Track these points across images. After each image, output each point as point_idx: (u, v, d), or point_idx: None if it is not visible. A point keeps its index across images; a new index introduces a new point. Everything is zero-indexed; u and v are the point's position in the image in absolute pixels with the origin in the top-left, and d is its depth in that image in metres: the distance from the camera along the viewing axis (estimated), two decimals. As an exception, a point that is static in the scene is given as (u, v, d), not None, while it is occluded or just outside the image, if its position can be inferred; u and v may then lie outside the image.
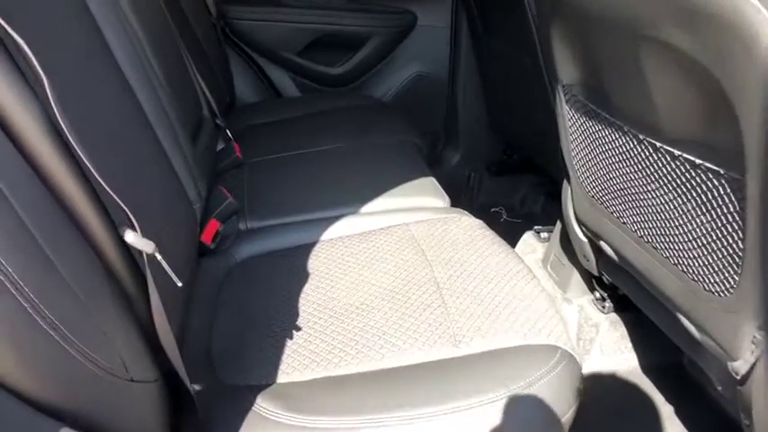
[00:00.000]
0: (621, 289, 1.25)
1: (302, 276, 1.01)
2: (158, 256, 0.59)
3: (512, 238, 1.83)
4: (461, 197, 2.17)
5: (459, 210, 1.20)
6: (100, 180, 0.53)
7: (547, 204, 2.00)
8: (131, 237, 0.57)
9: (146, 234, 0.60)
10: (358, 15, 1.97)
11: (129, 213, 0.57)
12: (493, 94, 1.96)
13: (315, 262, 1.04)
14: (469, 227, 1.12)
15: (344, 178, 1.31)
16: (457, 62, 2.04)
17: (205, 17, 1.77)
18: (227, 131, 1.47)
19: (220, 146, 1.48)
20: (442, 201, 1.23)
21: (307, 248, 1.09)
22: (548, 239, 1.68)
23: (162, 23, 1.26)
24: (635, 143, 0.92)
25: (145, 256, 0.59)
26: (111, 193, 0.54)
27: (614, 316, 1.38)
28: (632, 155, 0.94)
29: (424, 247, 1.04)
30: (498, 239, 1.09)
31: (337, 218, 1.16)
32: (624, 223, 1.03)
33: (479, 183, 2.16)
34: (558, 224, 1.62)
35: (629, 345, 1.35)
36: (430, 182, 1.29)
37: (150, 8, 1.17)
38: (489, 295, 0.90)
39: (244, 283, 1.01)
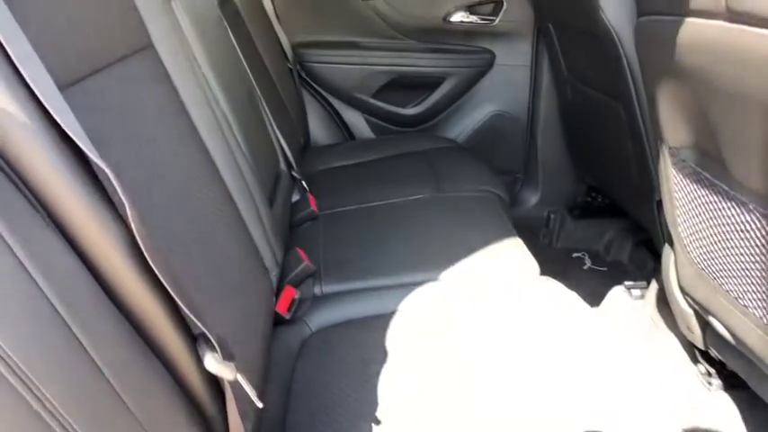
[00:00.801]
0: (733, 368, 1.11)
1: (380, 353, 0.95)
2: (240, 378, 0.55)
3: (597, 289, 1.71)
4: (540, 239, 2.06)
5: (548, 279, 1.11)
6: (181, 305, 0.50)
7: (636, 253, 1.85)
8: (213, 364, 0.53)
9: (224, 342, 0.56)
10: (435, 56, 1.92)
11: (210, 337, 0.53)
12: (577, 137, 1.85)
13: (394, 335, 0.98)
14: (561, 300, 1.03)
15: (424, 237, 1.25)
16: (537, 101, 1.95)
17: (282, 62, 1.78)
18: (303, 182, 1.45)
19: (295, 197, 1.46)
20: (530, 268, 1.14)
21: (385, 319, 1.03)
22: (640, 297, 1.55)
23: (239, 77, 1.25)
24: (762, 223, 0.80)
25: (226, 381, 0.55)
26: (192, 315, 0.51)
27: (722, 394, 1.23)
28: (758, 235, 0.82)
29: (510, 322, 0.96)
30: (592, 316, 0.99)
31: (417, 284, 1.09)
32: (745, 306, 0.91)
33: (560, 225, 2.04)
34: (654, 284, 1.48)
35: (742, 429, 1.19)
36: (517, 244, 1.20)
37: (226, 62, 1.16)
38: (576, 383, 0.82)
39: (319, 360, 0.97)
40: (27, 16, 0.53)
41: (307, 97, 1.99)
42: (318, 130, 2.02)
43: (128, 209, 0.46)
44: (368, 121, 2.03)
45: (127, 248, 0.48)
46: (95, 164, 0.46)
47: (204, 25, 1.08)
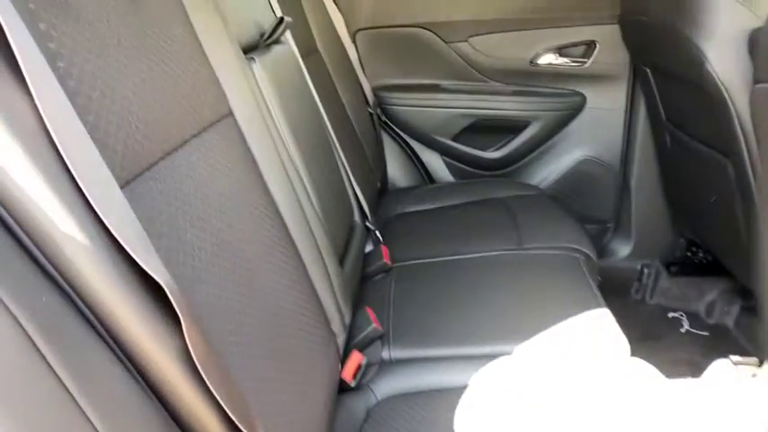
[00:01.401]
0: None
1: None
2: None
3: (696, 357, 1.54)
4: (631, 295, 1.90)
5: (640, 361, 0.99)
6: (236, 420, 0.47)
7: (742, 318, 1.66)
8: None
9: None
10: (520, 99, 1.85)
11: None
12: (677, 188, 1.70)
13: (462, 413, 0.91)
14: (656, 391, 0.91)
15: (501, 303, 1.17)
16: (632, 147, 1.81)
17: (362, 106, 1.78)
18: (377, 233, 1.42)
19: (369, 247, 1.43)
20: (619, 346, 1.03)
21: (455, 394, 0.96)
22: (752, 376, 1.36)
23: (317, 130, 1.25)
24: None
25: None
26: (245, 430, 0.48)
27: None
28: None
29: (592, 413, 0.86)
30: (692, 416, 0.87)
31: (491, 357, 1.02)
32: None
33: (654, 281, 1.87)
34: (768, 365, 1.30)
35: None
36: (605, 317, 1.09)
37: (304, 115, 1.16)
38: None
39: (384, 435, 0.92)
40: (90, 104, 0.53)
41: (386, 139, 1.98)
42: (397, 172, 1.99)
43: (185, 327, 0.44)
44: (447, 164, 1.98)
45: (182, 362, 0.46)
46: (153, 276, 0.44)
47: (283, 80, 1.09)
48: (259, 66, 0.97)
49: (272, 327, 0.75)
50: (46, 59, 0.49)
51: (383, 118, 1.92)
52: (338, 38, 1.73)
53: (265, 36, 1.05)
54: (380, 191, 1.84)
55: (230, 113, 0.85)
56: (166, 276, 0.49)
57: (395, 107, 1.91)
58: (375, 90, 1.91)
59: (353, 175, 1.41)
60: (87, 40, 0.55)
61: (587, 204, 1.89)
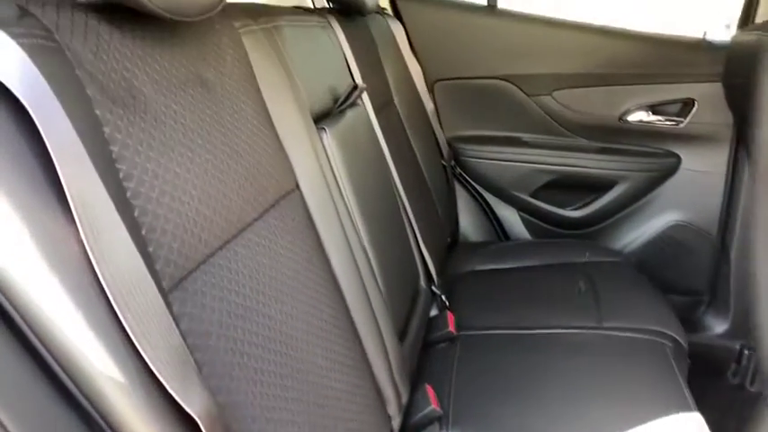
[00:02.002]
0: None
1: None
2: None
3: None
4: (728, 378, 1.70)
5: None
6: None
7: None
8: None
9: None
10: (606, 157, 1.74)
11: None
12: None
13: None
14: None
15: (575, 392, 1.07)
16: (732, 213, 1.64)
17: (436, 159, 1.74)
18: (443, 298, 1.36)
19: (434, 311, 1.37)
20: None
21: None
22: None
23: (385, 192, 1.22)
24: None
25: None
26: None
27: None
28: None
29: None
30: None
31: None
32: None
33: (756, 365, 1.67)
34: None
35: None
36: (695, 422, 0.97)
37: (371, 179, 1.13)
38: None
39: None
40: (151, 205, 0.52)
41: (460, 191, 1.92)
42: (470, 225, 1.93)
43: None
44: (524, 220, 1.89)
45: None
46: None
47: (353, 146, 1.07)
48: (329, 135, 0.95)
49: (322, 417, 0.71)
50: (106, 163, 0.49)
51: (458, 170, 1.87)
52: (415, 89, 1.71)
53: (339, 102, 1.04)
54: (451, 244, 1.78)
55: (296, 187, 0.83)
56: (204, 400, 0.46)
57: (471, 159, 1.86)
58: (451, 141, 1.87)
59: (422, 234, 1.36)
60: (152, 138, 0.55)
61: (678, 274, 1.73)
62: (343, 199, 0.96)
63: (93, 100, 0.49)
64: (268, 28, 0.91)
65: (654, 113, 1.68)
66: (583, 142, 1.78)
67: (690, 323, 1.73)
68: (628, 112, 1.69)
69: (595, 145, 1.77)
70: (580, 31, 1.69)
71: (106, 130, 0.50)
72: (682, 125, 1.65)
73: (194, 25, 0.68)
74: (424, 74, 1.80)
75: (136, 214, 0.51)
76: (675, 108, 1.66)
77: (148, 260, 0.51)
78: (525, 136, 1.83)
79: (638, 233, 1.77)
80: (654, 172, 1.71)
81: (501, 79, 1.79)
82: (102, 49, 0.53)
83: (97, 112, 0.50)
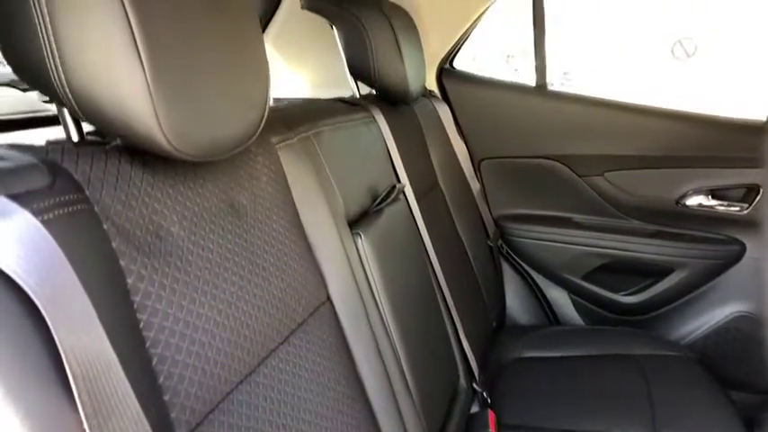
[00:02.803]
0: None
1: None
2: None
3: None
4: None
5: None
6: None
7: None
8: None
9: None
10: (663, 242, 1.65)
11: None
12: None
13: None
14: None
15: None
16: (806, 308, 1.51)
17: (482, 239, 1.70)
18: (485, 394, 1.30)
19: (475, 408, 1.31)
20: None
21: None
22: None
23: (423, 290, 1.18)
24: None
25: None
26: None
27: None
28: None
29: None
30: None
31: None
32: None
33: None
34: None
35: None
36: None
37: (406, 279, 1.10)
38: None
39: None
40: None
41: (507, 271, 1.86)
42: (518, 307, 1.86)
43: None
44: (575, 303, 1.81)
45: None
46: None
47: (390, 247, 1.05)
48: (364, 240, 0.94)
49: None
50: (126, 316, 0.49)
51: (505, 249, 1.82)
52: (460, 169, 1.70)
53: (377, 202, 1.03)
54: (497, 327, 1.72)
55: (327, 299, 0.82)
56: None
57: (519, 239, 1.81)
58: (498, 220, 1.83)
59: (464, 325, 1.32)
60: (175, 282, 0.55)
61: (742, 369, 1.59)
62: (376, 303, 0.94)
63: (117, 251, 0.50)
64: (307, 136, 0.92)
65: (714, 198, 1.59)
66: (637, 225, 1.70)
67: (756, 424, 1.58)
68: (686, 195, 1.61)
69: (651, 228, 1.68)
70: (634, 113, 1.64)
71: (129, 281, 0.51)
72: (746, 211, 1.55)
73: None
74: (470, 153, 1.79)
75: (154, 363, 0.51)
76: (738, 193, 1.56)
77: (164, 410, 0.51)
78: (576, 217, 1.78)
79: (698, 324, 1.65)
80: (715, 259, 1.60)
81: (550, 159, 1.75)
82: (131, 195, 0.54)
83: (122, 263, 0.51)
